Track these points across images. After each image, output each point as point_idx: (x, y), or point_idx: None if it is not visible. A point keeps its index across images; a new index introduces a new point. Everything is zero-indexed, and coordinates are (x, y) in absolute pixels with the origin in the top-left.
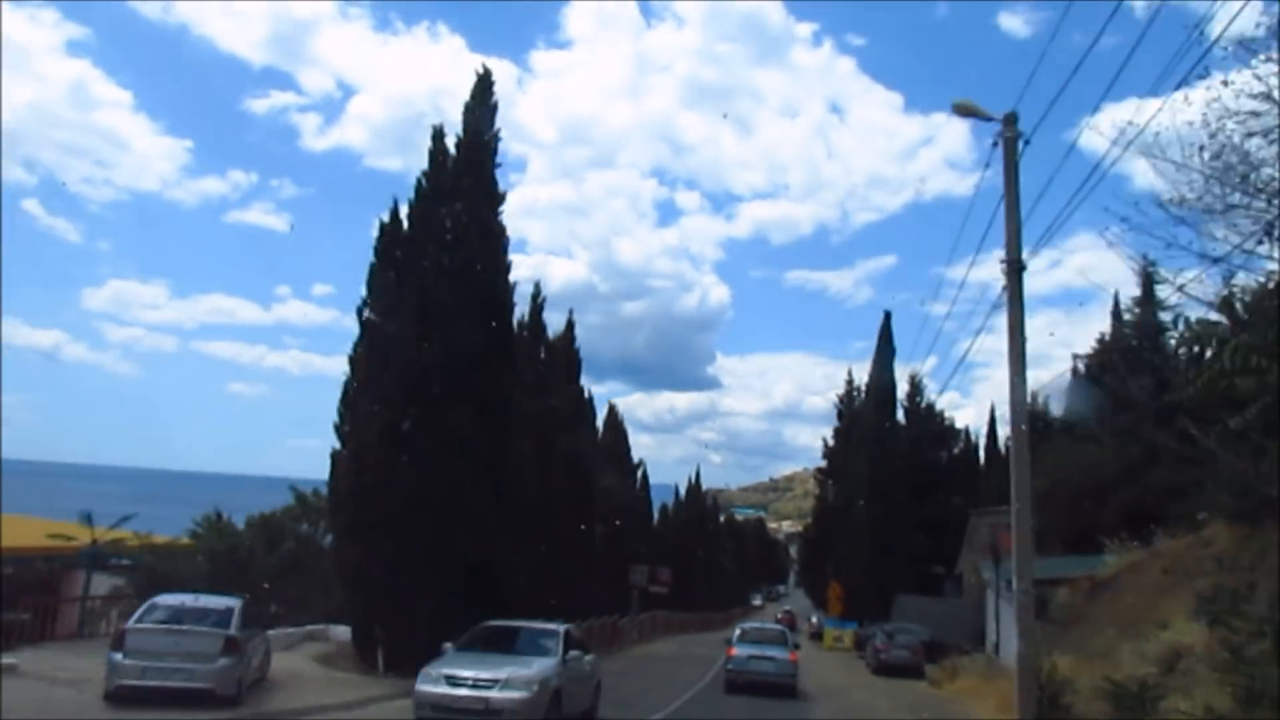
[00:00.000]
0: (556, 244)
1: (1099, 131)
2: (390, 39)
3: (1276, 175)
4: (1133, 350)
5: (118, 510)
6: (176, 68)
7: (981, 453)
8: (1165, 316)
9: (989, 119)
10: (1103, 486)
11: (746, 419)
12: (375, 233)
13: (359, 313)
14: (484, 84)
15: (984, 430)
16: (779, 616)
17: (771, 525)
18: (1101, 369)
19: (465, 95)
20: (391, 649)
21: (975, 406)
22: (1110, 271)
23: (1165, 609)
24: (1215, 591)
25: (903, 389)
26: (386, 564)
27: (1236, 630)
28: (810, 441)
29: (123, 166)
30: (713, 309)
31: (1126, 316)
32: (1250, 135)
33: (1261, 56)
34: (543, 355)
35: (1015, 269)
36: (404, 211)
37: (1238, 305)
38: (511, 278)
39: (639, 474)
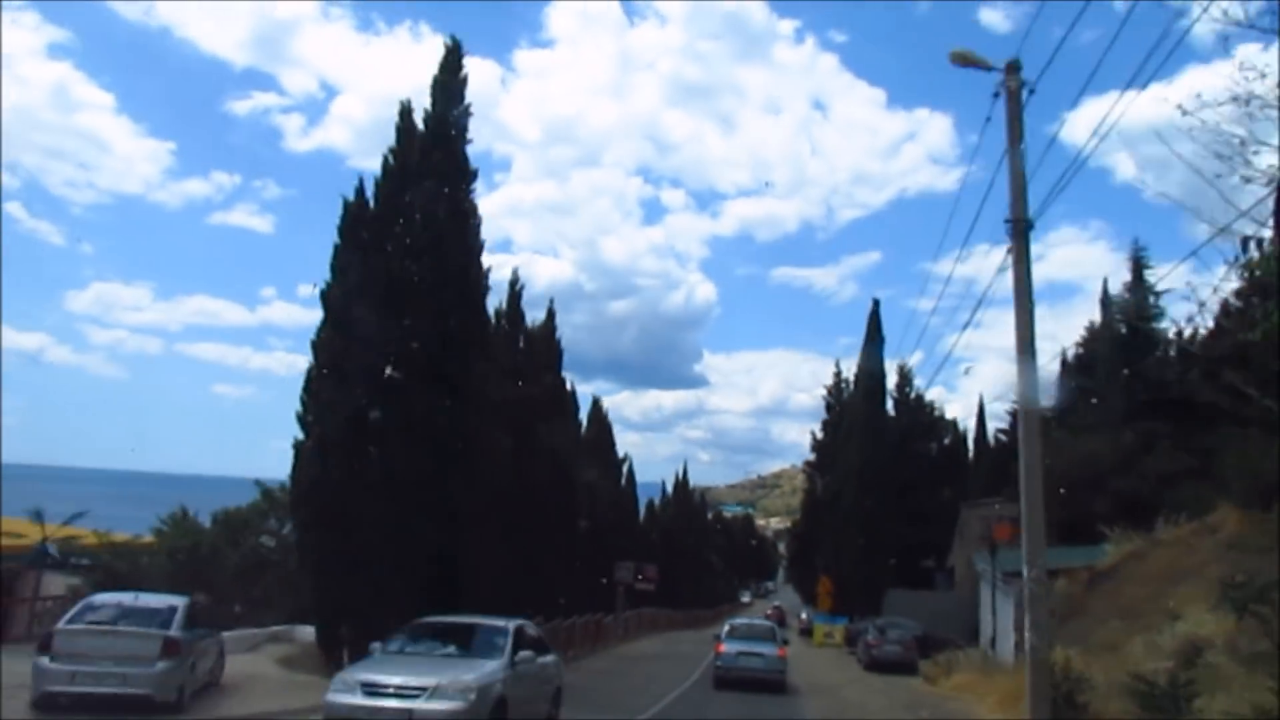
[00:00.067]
0: (542, 243)
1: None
2: (372, 39)
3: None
4: (1123, 337)
5: (102, 512)
6: (158, 70)
7: (970, 445)
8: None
9: (989, 69)
10: (1097, 476)
11: (733, 416)
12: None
13: (322, 296)
14: (452, 57)
15: (972, 423)
16: (768, 613)
17: (759, 522)
18: (1092, 358)
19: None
20: (357, 649)
21: (962, 401)
22: (1091, 266)
23: (1174, 599)
24: (1243, 579)
25: (891, 381)
26: (352, 559)
27: (1266, 619)
28: (798, 439)
29: (105, 169)
30: (699, 307)
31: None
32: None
33: None
34: (521, 345)
35: (1021, 228)
36: (370, 190)
37: None
38: (498, 276)
39: (624, 469)
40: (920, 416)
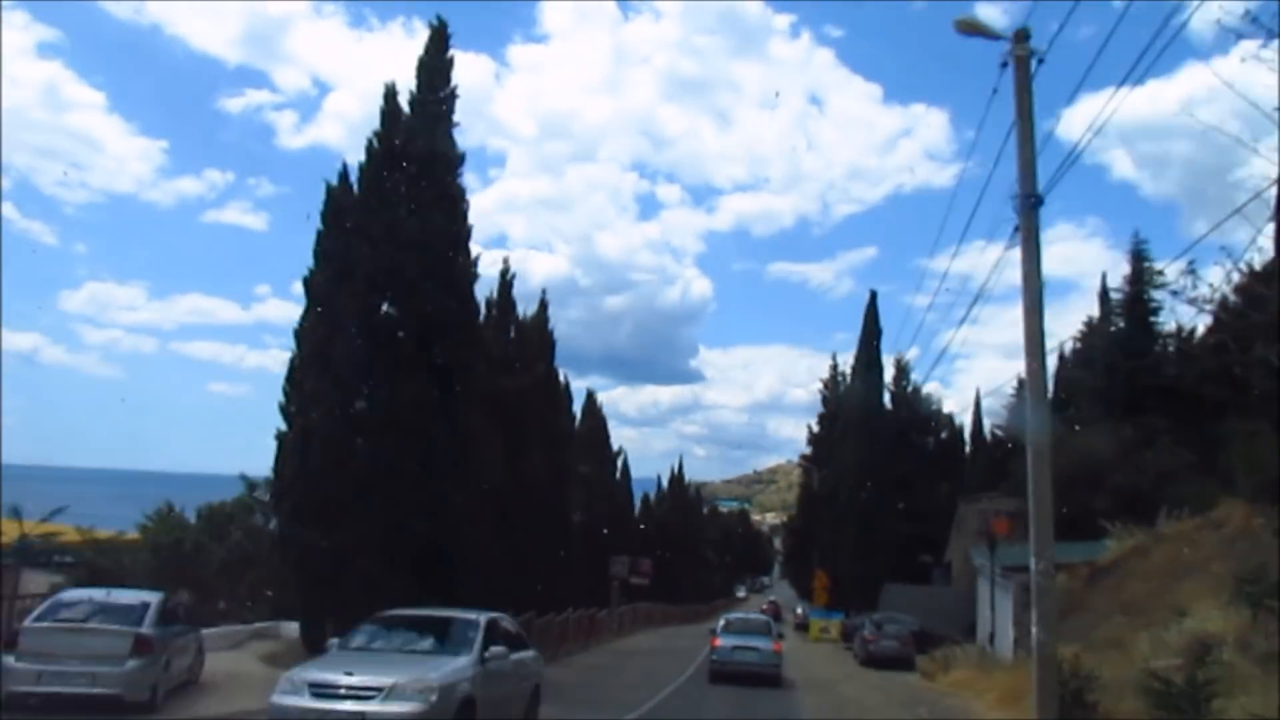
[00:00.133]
0: (537, 239)
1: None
2: (365, 35)
3: None
4: (1123, 331)
5: (99, 511)
6: (149, 68)
7: (967, 440)
8: (1157, 295)
9: (997, 38)
10: (1096, 471)
11: (729, 412)
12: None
13: (305, 283)
14: (438, 39)
15: (969, 419)
16: (764, 607)
17: (755, 518)
18: (1091, 352)
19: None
20: None
21: (957, 397)
22: (1088, 263)
23: (1179, 595)
24: (1258, 573)
25: (888, 375)
26: (336, 553)
27: None
28: (793, 434)
29: (97, 168)
30: (695, 302)
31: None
32: None
33: None
34: (513, 335)
35: (1030, 204)
36: (354, 176)
37: None
38: (493, 273)
39: (619, 463)
40: (918, 410)
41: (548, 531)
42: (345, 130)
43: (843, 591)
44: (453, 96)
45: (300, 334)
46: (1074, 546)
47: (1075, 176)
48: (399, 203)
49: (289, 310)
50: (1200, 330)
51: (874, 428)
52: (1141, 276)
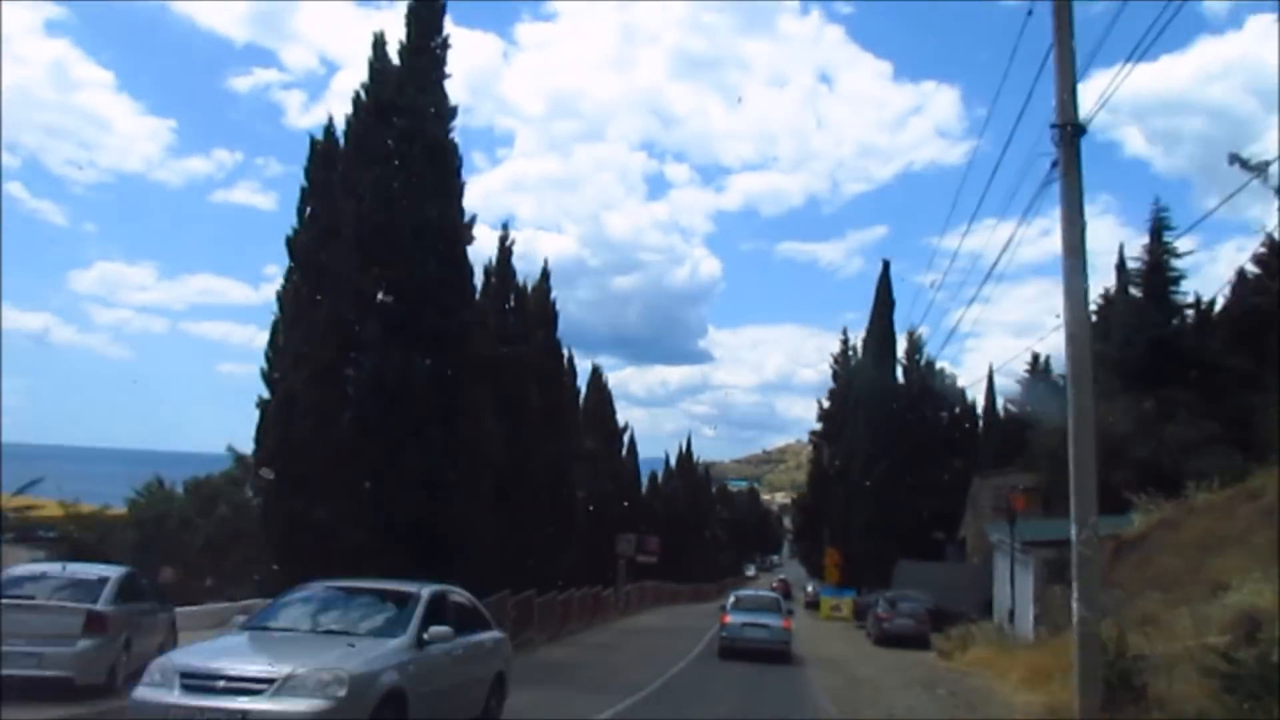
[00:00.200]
0: (546, 219)
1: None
2: (373, 13)
3: None
4: (1141, 303)
5: (106, 491)
6: (157, 47)
7: (980, 416)
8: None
9: None
10: (1116, 445)
11: (739, 392)
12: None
13: (288, 243)
14: None
15: (981, 397)
16: (774, 585)
17: (765, 497)
18: (1108, 325)
19: (449, 67)
20: None
21: (967, 376)
22: (1099, 240)
23: (1216, 568)
24: None
25: (900, 349)
26: (321, 527)
27: None
28: (803, 414)
29: (106, 148)
30: (704, 282)
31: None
32: None
33: None
34: (513, 305)
35: (1071, 134)
36: (341, 130)
37: None
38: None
39: (625, 439)
40: (931, 384)
41: (550, 507)
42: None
43: (854, 569)
44: (444, 46)
45: (283, 296)
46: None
47: (1087, 153)
48: (388, 159)
49: None
50: (1220, 301)
51: (886, 402)
52: (1161, 246)
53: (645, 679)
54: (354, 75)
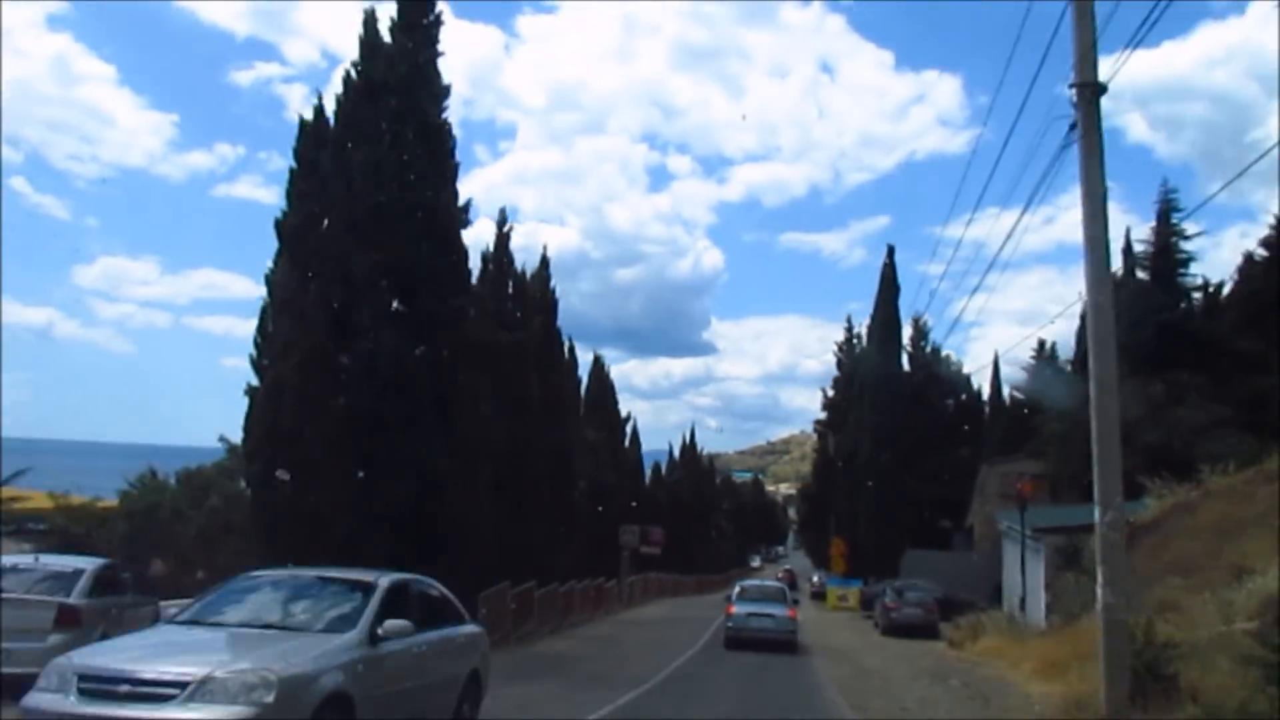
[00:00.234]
0: (548, 211)
1: None
2: (375, 6)
3: None
4: (1148, 285)
5: (110, 486)
6: (159, 40)
7: (986, 404)
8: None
9: None
10: (1125, 429)
11: (742, 383)
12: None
13: (276, 225)
14: None
15: (986, 384)
16: (779, 575)
17: (769, 488)
18: (1114, 308)
19: (451, 63)
20: None
21: (971, 364)
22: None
23: (1237, 552)
24: None
25: (905, 336)
26: (312, 517)
27: None
28: (806, 404)
29: (108, 142)
30: (706, 273)
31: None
32: None
33: None
34: (511, 291)
35: (1091, 94)
36: (331, 110)
37: None
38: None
39: (628, 429)
40: (936, 371)
41: (551, 497)
42: None
43: (861, 558)
44: (437, 24)
45: (271, 280)
46: None
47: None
48: (379, 139)
49: None
50: (1228, 284)
51: (892, 389)
52: (1169, 228)
53: (647, 672)
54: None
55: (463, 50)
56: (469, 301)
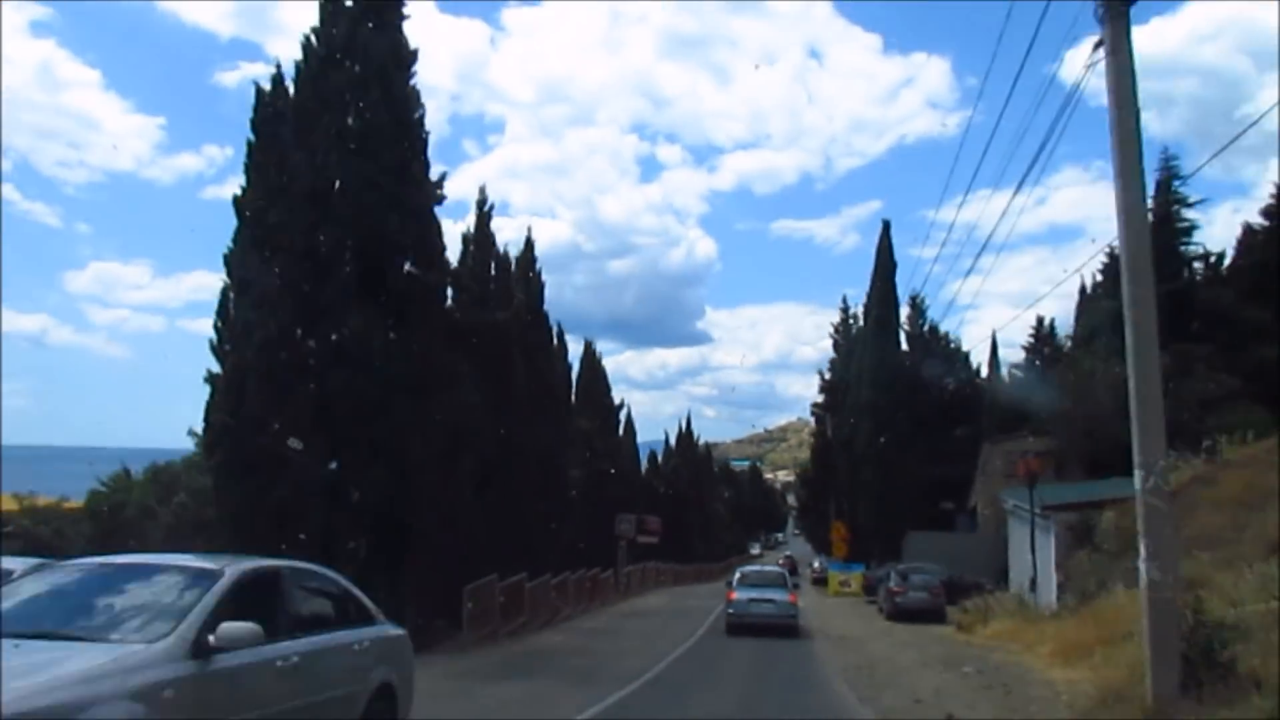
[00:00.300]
0: (540, 205)
1: None
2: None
3: None
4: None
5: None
6: (142, 43)
7: (985, 383)
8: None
9: None
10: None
11: (738, 372)
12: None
13: (235, 202)
14: None
15: (984, 365)
16: (780, 562)
17: (767, 476)
18: (1115, 283)
19: (437, 58)
20: None
21: (967, 347)
22: (1095, 207)
23: (1266, 525)
24: None
25: (902, 316)
26: (278, 511)
27: None
28: (803, 392)
29: (96, 147)
30: (700, 263)
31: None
32: None
33: None
34: (493, 273)
35: (1119, 6)
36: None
37: None
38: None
39: (621, 416)
40: (935, 349)
41: (541, 487)
42: None
43: (862, 542)
44: None
45: (230, 260)
46: (1118, 482)
47: (1080, 118)
48: (342, 107)
49: None
50: (1229, 254)
51: (890, 369)
52: (1170, 197)
53: (642, 666)
54: None
55: (448, 45)
56: (444, 278)
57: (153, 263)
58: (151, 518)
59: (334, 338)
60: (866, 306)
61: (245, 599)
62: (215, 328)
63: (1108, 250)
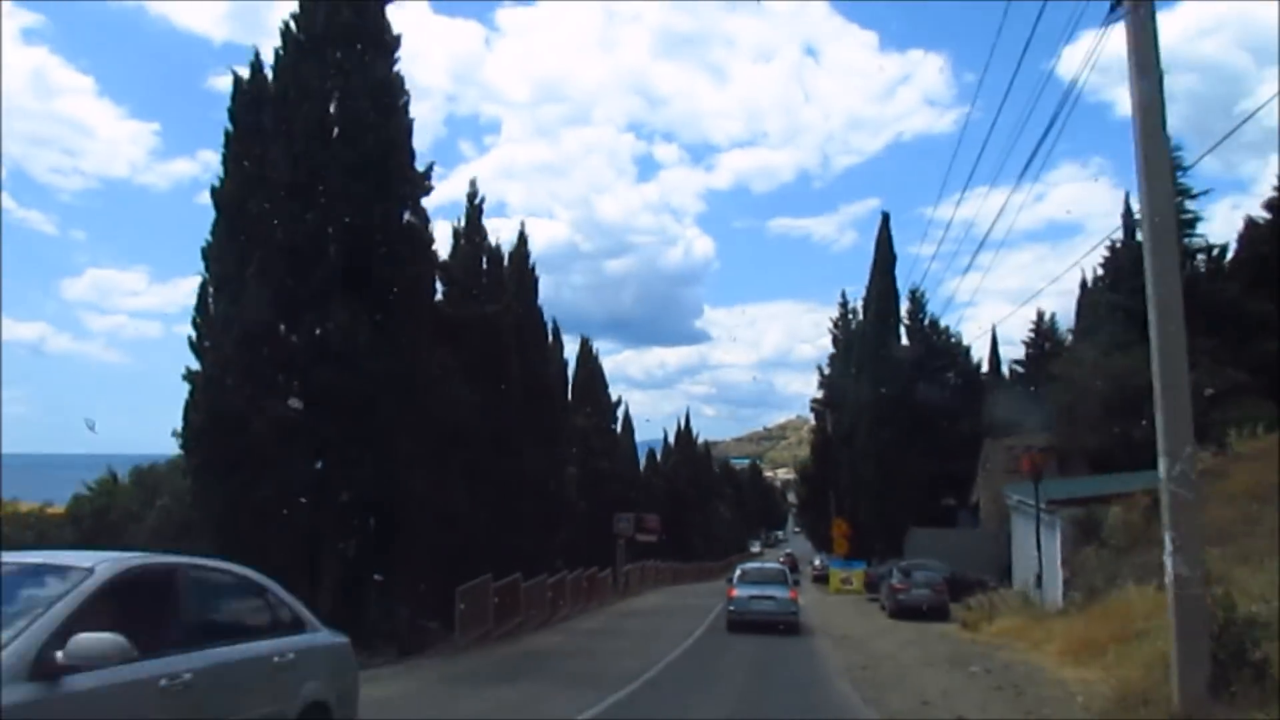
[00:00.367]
0: (537, 205)
1: None
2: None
3: None
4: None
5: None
6: (136, 49)
7: (985, 379)
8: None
9: None
10: (1133, 397)
11: (737, 370)
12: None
13: (213, 193)
14: None
15: (985, 360)
16: (781, 559)
17: (767, 474)
18: (1117, 275)
19: (432, 59)
20: None
21: (967, 340)
22: (1093, 204)
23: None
24: None
25: (902, 309)
26: (260, 511)
27: None
28: (802, 389)
29: (90, 154)
30: (698, 262)
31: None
32: None
33: None
34: (485, 266)
35: None
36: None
37: None
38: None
39: (619, 414)
40: (935, 343)
41: (537, 485)
42: None
43: (863, 539)
44: None
45: (208, 253)
46: (1124, 477)
47: (1077, 116)
48: (323, 95)
49: None
50: (1232, 248)
51: (891, 361)
52: (1173, 188)
53: (639, 667)
54: None
55: (443, 46)
56: (431, 270)
57: (149, 269)
58: (136, 521)
59: (317, 332)
60: (866, 300)
61: (122, 604)
62: (194, 323)
63: (1108, 245)
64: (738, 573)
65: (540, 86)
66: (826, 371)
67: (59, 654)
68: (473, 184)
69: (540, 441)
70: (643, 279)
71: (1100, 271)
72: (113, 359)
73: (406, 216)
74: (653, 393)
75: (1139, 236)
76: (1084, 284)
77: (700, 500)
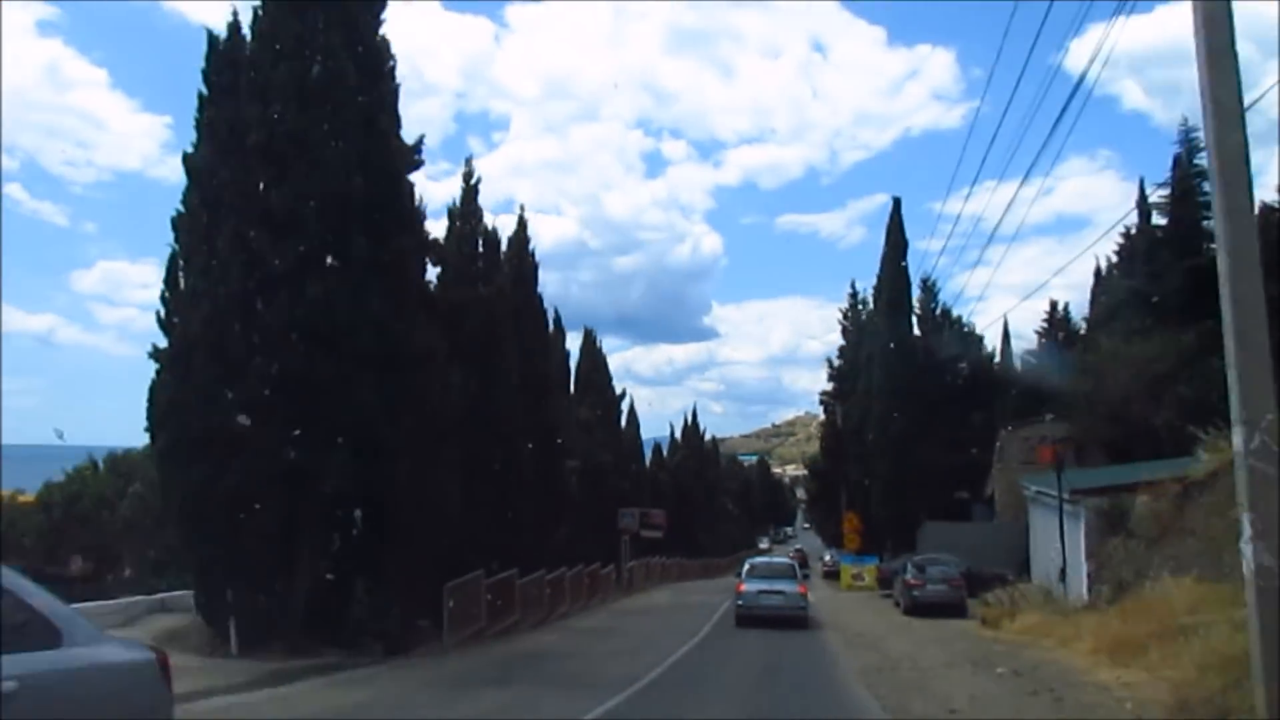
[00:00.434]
0: (545, 202)
1: None
2: None
3: None
4: (1168, 231)
5: None
6: (148, 42)
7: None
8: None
9: None
10: (1155, 383)
11: (745, 367)
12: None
13: (185, 160)
14: None
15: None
16: (790, 555)
17: (775, 470)
18: (1133, 260)
19: (443, 58)
20: (249, 620)
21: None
22: (1101, 197)
23: None
24: None
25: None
26: (231, 500)
27: None
28: (810, 385)
29: (103, 146)
30: (706, 258)
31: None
32: None
33: None
34: (481, 249)
35: None
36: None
37: None
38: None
39: (623, 407)
40: (948, 331)
41: (536, 478)
42: None
43: (875, 534)
44: None
45: (178, 223)
46: (1152, 465)
47: (1085, 108)
48: (303, 55)
49: None
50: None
51: (902, 353)
52: (1190, 169)
53: (638, 670)
54: None
55: (453, 43)
56: (419, 246)
57: (160, 261)
58: (110, 509)
59: (290, 306)
60: (877, 289)
61: None
62: (162, 298)
63: (1123, 232)
64: (746, 567)
65: (549, 83)
66: (836, 364)
67: None
68: (468, 163)
69: (540, 433)
70: (651, 276)
71: (1115, 259)
72: (124, 351)
73: (392, 186)
74: (661, 390)
75: (1159, 220)
76: (1098, 272)
77: (707, 496)
